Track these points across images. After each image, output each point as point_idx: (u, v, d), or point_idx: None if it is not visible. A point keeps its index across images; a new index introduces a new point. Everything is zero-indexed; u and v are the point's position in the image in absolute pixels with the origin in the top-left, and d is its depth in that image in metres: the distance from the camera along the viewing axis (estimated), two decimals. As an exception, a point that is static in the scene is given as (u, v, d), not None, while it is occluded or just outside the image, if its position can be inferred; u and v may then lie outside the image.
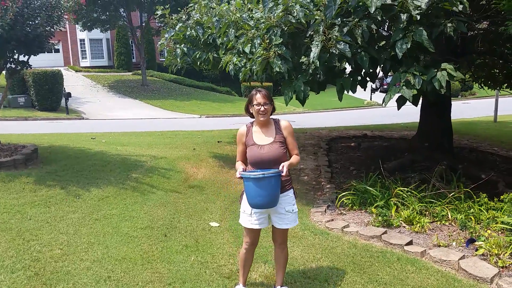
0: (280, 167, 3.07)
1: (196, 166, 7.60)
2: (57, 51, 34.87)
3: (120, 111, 21.36)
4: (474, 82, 9.95)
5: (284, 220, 3.26)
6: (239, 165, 3.25)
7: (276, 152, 3.17)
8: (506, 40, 6.54)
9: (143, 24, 28.59)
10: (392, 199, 5.38)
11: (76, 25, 28.28)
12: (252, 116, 3.30)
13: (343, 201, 5.68)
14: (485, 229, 4.51)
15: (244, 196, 3.29)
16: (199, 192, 6.32)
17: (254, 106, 3.19)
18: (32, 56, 7.47)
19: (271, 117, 3.32)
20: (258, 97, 3.17)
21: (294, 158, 3.27)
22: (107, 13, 25.90)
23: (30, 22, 6.96)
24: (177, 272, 3.83)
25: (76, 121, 18.10)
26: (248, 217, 3.26)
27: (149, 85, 28.73)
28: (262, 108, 3.16)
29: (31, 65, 7.78)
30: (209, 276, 3.76)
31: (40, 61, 27.93)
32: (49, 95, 18.99)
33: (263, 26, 5.53)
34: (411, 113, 10.60)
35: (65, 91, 19.44)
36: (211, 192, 6.37)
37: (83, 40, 35.04)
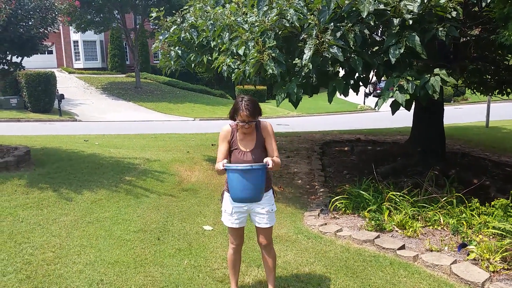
0: (265, 160, 3.07)
1: (189, 169, 7.59)
2: (50, 52, 34.69)
3: (114, 113, 21.28)
4: (466, 88, 10.04)
5: (264, 219, 3.30)
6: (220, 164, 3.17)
7: (258, 158, 3.19)
8: (498, 47, 6.61)
9: (137, 27, 28.54)
10: (385, 203, 5.41)
11: (70, 27, 28.16)
12: (235, 120, 3.22)
13: (336, 205, 5.70)
14: (477, 234, 4.55)
15: (225, 195, 3.34)
16: (193, 195, 6.31)
17: (239, 122, 3.14)
18: (25, 57, 7.44)
19: None
20: (244, 115, 3.08)
21: (276, 158, 3.21)
22: (101, 15, 25.83)
23: (24, 24, 6.94)
24: (170, 275, 3.82)
25: (69, 123, 18.00)
26: (229, 216, 3.32)
27: (143, 87, 28.65)
28: (247, 126, 3.13)
29: (24, 67, 7.75)
30: (202, 280, 3.76)
31: (33, 62, 27.74)
32: (42, 97, 18.89)
33: (257, 30, 5.56)
34: (404, 118, 10.68)
35: (58, 92, 19.34)
36: (205, 195, 6.36)
37: (77, 41, 34.88)
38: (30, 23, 6.97)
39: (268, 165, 3.04)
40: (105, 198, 5.84)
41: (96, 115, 20.45)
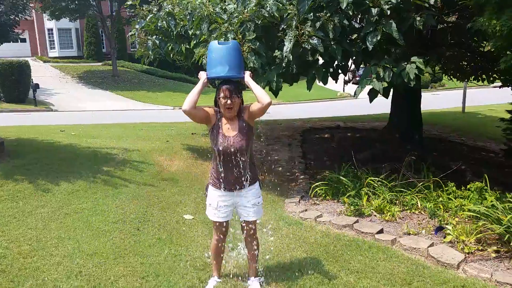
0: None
1: (169, 158, 7.52)
2: (23, 40, 33.73)
3: (90, 102, 20.88)
4: (443, 74, 10.19)
5: (250, 213, 3.27)
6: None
7: (242, 143, 3.12)
8: (474, 33, 6.70)
9: (114, 14, 27.93)
10: (363, 188, 5.48)
11: (44, 14, 27.37)
12: (217, 106, 3.18)
13: (316, 191, 5.74)
14: (453, 217, 4.65)
15: (210, 189, 3.30)
16: (173, 185, 6.26)
17: (221, 98, 3.09)
18: (-4, 46, 7.20)
19: None
20: (224, 89, 3.05)
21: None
22: (76, 2, 25.14)
23: (-7, 11, 6.70)
24: (150, 265, 3.80)
25: (45, 113, 17.59)
26: (214, 210, 3.27)
27: (120, 76, 28.17)
28: (229, 102, 3.06)
29: (-5, 55, 7.50)
30: (183, 269, 3.74)
31: (6, 51, 27.01)
32: (16, 87, 18.37)
33: (236, 21, 5.49)
34: (383, 105, 10.78)
35: (32, 82, 18.84)
36: (185, 184, 6.32)
37: (51, 29, 33.98)
38: None
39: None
40: (82, 189, 5.74)
41: (73, 104, 20.04)
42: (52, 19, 27.08)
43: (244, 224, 3.35)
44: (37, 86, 18.77)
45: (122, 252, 4.05)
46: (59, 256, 3.93)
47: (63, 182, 5.90)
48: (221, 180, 3.21)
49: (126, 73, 29.44)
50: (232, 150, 3.10)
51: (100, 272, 3.66)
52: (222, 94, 3.07)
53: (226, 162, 3.16)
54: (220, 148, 3.12)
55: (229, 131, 3.15)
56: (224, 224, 3.34)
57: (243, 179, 3.19)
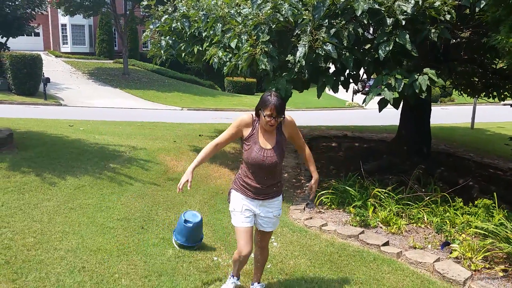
0: (308, 189, 3.30)
1: (176, 158, 7.52)
2: (37, 34, 34.02)
3: (100, 99, 20.97)
4: (453, 89, 10.14)
5: (270, 223, 3.19)
6: (192, 168, 3.24)
7: (277, 158, 3.01)
8: (487, 50, 6.66)
9: (127, 12, 28.09)
10: (370, 199, 5.45)
11: (58, 9, 27.58)
12: (258, 116, 3.05)
13: (322, 199, 5.71)
14: (460, 233, 4.61)
15: (233, 194, 3.17)
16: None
17: (265, 116, 2.91)
18: (10, 38, 7.26)
19: None
20: (272, 108, 2.88)
21: (310, 159, 3.27)
22: (91, -1, 25.32)
23: (10, 3, 6.76)
24: (153, 265, 3.79)
25: (54, 107, 17.68)
26: (240, 215, 3.11)
27: (131, 74, 28.28)
28: (273, 121, 2.92)
29: (9, 47, 7.57)
30: (186, 270, 3.73)
31: (20, 44, 27.26)
32: (27, 79, 18.45)
33: (251, 23, 5.51)
34: (391, 116, 10.75)
35: (44, 76, 18.95)
36: (191, 185, 6.30)
37: (65, 25, 34.25)
38: (16, 3, 6.80)
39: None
40: (88, 185, 5.75)
41: (82, 100, 20.13)
42: (66, 15, 27.27)
43: (259, 233, 3.26)
44: (47, 80, 18.86)
45: (125, 249, 4.05)
46: (63, 250, 3.93)
47: (70, 177, 5.91)
48: (249, 188, 3.09)
49: (137, 72, 29.56)
50: (267, 163, 2.99)
51: (103, 268, 3.66)
52: (268, 112, 2.91)
53: (258, 173, 3.05)
54: (255, 160, 3.00)
55: (266, 143, 3.03)
56: (249, 232, 3.13)
57: (271, 190, 3.12)
